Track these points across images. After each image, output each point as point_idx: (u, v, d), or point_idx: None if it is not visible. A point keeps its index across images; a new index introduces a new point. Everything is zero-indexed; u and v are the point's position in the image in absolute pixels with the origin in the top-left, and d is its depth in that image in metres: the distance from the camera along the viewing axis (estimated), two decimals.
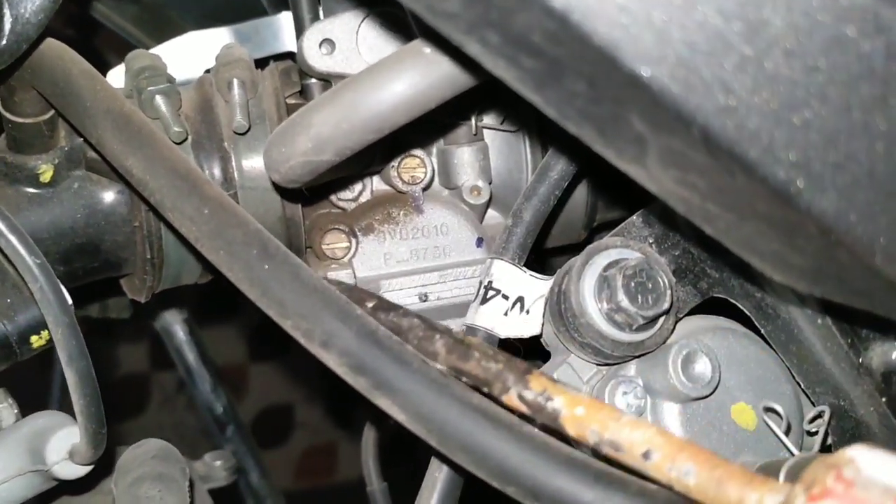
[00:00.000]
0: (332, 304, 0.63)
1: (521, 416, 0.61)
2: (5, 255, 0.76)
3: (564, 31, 0.44)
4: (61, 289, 0.70)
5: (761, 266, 0.54)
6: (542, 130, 0.97)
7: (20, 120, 0.82)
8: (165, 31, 1.25)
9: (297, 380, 3.13)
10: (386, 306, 0.68)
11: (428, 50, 0.64)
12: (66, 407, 0.90)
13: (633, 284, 0.70)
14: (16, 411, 0.99)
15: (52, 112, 0.83)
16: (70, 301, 0.72)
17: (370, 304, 0.68)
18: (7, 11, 0.66)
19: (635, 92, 0.45)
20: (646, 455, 0.56)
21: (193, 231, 0.67)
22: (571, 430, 0.57)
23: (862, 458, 0.47)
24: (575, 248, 1.06)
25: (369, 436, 1.18)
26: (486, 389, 0.62)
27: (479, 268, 0.94)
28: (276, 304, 0.63)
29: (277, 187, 0.88)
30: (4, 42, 0.67)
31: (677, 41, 0.43)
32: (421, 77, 0.65)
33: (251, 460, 1.56)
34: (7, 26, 0.66)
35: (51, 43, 0.77)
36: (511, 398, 0.60)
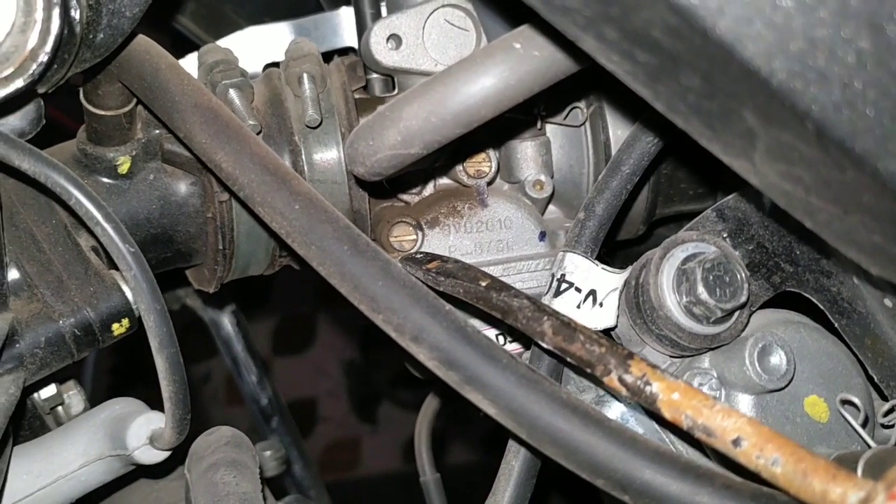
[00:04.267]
0: (421, 299, 0.64)
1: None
2: (98, 243, 0.78)
3: (686, 26, 0.45)
4: (153, 277, 0.71)
5: (858, 258, 0.56)
6: (605, 127, 0.98)
7: (102, 112, 0.83)
8: (221, 26, 1.27)
9: (320, 374, 3.16)
10: (498, 286, 0.71)
11: (518, 45, 0.66)
12: (94, 401, 0.93)
13: (711, 278, 0.71)
14: (84, 398, 1.01)
15: (131, 105, 0.85)
16: None
17: (484, 283, 0.70)
18: (104, 6, 0.68)
19: (752, 86, 0.46)
20: (735, 442, 0.58)
21: (285, 226, 0.68)
22: (667, 414, 0.59)
23: None
24: (633, 243, 1.08)
25: (423, 426, 1.20)
26: (588, 370, 0.64)
27: (541, 261, 0.95)
28: (367, 299, 0.65)
29: (350, 179, 0.90)
30: (101, 36, 0.69)
31: (798, 36, 0.44)
32: (511, 72, 0.66)
33: (295, 451, 1.57)
34: (104, 20, 0.68)
35: (138, 38, 0.78)
36: (612, 380, 0.63)
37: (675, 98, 0.50)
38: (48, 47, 0.61)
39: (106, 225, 0.69)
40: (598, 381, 0.65)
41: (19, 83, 0.60)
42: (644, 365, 0.61)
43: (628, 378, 0.61)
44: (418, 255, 0.85)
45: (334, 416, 3.21)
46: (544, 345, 0.67)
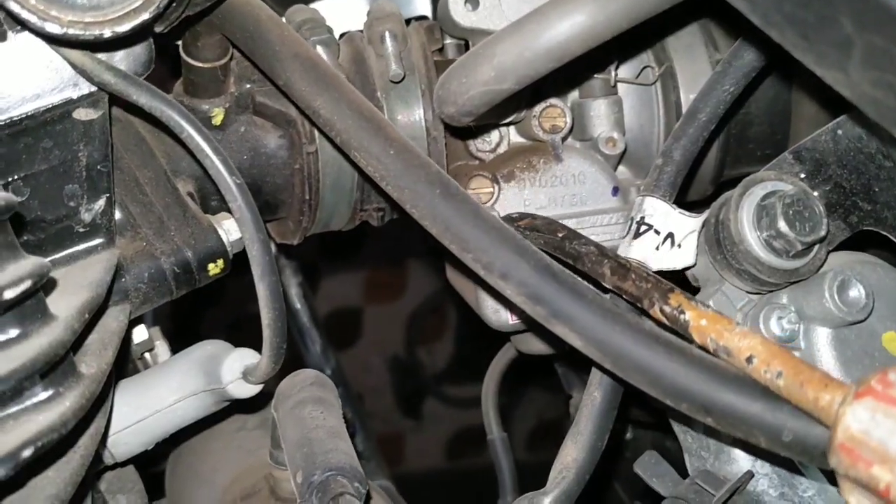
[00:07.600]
0: (509, 239, 0.68)
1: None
2: (208, 180, 0.82)
3: None
4: (256, 208, 0.75)
5: None
6: (675, 86, 1.00)
7: (199, 64, 0.88)
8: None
9: (365, 370, 3.19)
10: (572, 236, 0.78)
11: None
12: None
13: (791, 212, 0.74)
14: (169, 347, 1.06)
15: (226, 58, 0.89)
16: None
17: (560, 235, 0.75)
18: None
19: None
20: (749, 360, 0.63)
21: (380, 170, 0.72)
22: (697, 338, 0.65)
23: None
24: (701, 204, 1.10)
25: (489, 386, 1.22)
26: (638, 304, 0.70)
27: (614, 215, 0.98)
28: (458, 240, 0.69)
29: (429, 136, 0.94)
30: None
31: None
32: (600, 9, 0.69)
33: (357, 423, 1.61)
34: None
35: None
36: (655, 311, 0.69)
37: (772, 9, 0.53)
38: None
39: (214, 157, 0.73)
40: (646, 314, 0.70)
41: (146, 16, 0.65)
42: (681, 297, 0.67)
43: (667, 308, 0.67)
44: (514, 215, 0.90)
45: (378, 411, 3.23)
46: (605, 284, 0.72)
